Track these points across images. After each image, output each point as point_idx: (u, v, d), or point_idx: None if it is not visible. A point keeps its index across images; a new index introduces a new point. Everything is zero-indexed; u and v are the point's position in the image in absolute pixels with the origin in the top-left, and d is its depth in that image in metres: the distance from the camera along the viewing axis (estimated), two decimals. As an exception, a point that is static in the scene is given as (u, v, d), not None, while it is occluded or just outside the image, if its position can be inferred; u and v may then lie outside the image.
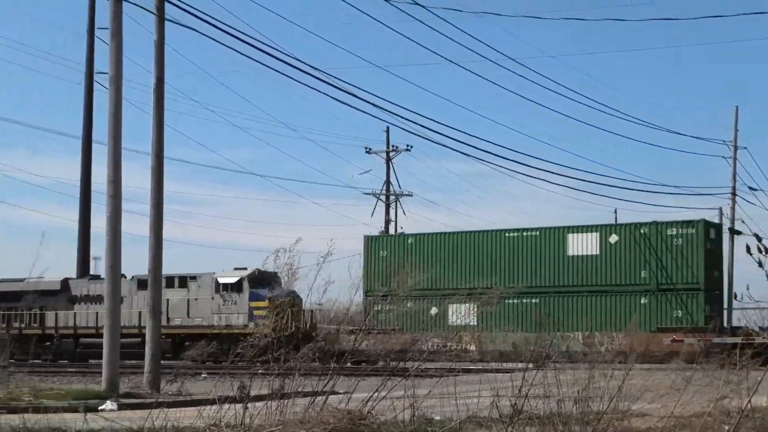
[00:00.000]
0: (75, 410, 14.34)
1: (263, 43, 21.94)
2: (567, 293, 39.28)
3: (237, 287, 39.90)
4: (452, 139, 31.19)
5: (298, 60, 22.90)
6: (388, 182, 73.48)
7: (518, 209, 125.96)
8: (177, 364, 29.08)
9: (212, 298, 40.31)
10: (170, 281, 39.09)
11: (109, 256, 21.12)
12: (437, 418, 10.83)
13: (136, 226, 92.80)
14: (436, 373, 12.27)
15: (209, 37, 21.67)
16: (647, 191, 48.07)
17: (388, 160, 73.66)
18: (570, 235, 40.30)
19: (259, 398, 9.65)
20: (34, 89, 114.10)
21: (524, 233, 41.39)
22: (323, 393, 9.91)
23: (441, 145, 29.64)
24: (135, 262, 77.49)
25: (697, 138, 70.37)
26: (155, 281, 22.41)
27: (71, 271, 49.28)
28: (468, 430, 10.30)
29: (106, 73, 22.39)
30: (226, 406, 9.40)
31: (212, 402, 9.69)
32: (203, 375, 24.38)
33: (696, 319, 37.56)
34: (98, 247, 48.60)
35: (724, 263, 42.71)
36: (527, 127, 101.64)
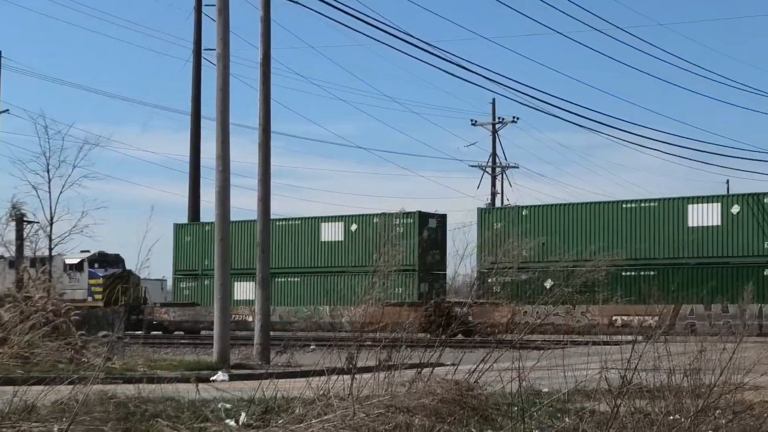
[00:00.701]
0: (187, 381, 14.59)
1: (370, 17, 22.03)
2: (685, 265, 38.46)
3: (79, 267, 48.00)
4: (560, 108, 30.96)
5: (406, 33, 22.97)
6: (494, 154, 73.17)
7: (624, 180, 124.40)
8: (285, 335, 29.39)
9: (61, 277, 45.91)
10: (32, 262, 40.95)
11: (218, 230, 21.42)
12: (545, 390, 10.78)
13: (244, 200, 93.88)
14: (543, 345, 12.21)
15: (316, 11, 21.81)
16: (761, 160, 47.12)
17: (494, 132, 73.32)
18: (690, 206, 39.50)
19: (366, 369, 9.71)
20: (144, 67, 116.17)
21: (642, 204, 40.84)
22: (430, 365, 9.94)
23: (549, 114, 29.73)
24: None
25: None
26: (263, 254, 22.66)
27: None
28: (576, 401, 10.24)
29: (214, 50, 22.67)
30: (335, 377, 9.47)
31: (320, 373, 9.78)
32: (312, 346, 24.62)
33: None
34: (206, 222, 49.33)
35: None
36: (634, 97, 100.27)
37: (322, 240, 46.01)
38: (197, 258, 49.18)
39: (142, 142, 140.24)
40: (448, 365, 10.33)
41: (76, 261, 47.76)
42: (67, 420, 8.28)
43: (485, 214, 43.83)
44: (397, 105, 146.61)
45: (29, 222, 36.00)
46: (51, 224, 35.74)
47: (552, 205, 43.41)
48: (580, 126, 33.75)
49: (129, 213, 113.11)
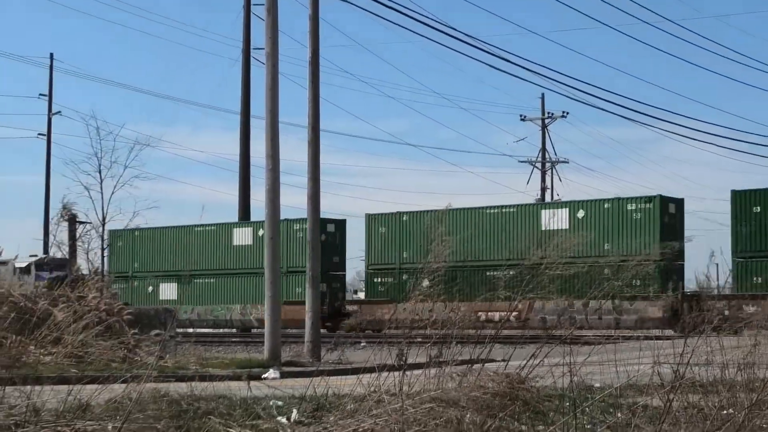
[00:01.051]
0: (239, 378, 14.67)
1: (417, 13, 22.03)
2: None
3: (27, 270, 48.62)
4: (610, 102, 30.74)
5: (453, 29, 22.94)
6: (543, 149, 72.90)
7: (676, 174, 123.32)
8: (337, 333, 29.56)
9: (11, 279, 47.06)
10: None
11: (268, 228, 21.53)
12: (597, 385, 10.73)
13: (293, 198, 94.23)
14: (594, 340, 12.13)
15: (364, 9, 21.84)
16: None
17: (544, 127, 73.05)
18: (543, 211, 42.04)
19: (417, 366, 9.72)
20: (194, 67, 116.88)
21: (503, 210, 42.98)
22: (480, 360, 9.92)
23: (599, 108, 29.47)
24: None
25: None
26: (314, 251, 22.74)
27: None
28: (628, 396, 10.18)
29: (263, 49, 22.78)
30: (385, 373, 9.48)
31: (371, 370, 9.79)
32: (362, 343, 24.69)
33: None
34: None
35: None
36: (687, 90, 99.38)
37: (234, 244, 49.48)
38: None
39: (193, 141, 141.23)
40: (498, 361, 10.30)
41: (24, 264, 49.56)
42: (120, 418, 8.36)
43: (371, 220, 46.19)
44: (445, 101, 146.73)
45: (81, 222, 36.35)
46: (103, 224, 36.18)
47: (428, 211, 44.72)
48: (630, 120, 33.50)
49: (180, 212, 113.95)
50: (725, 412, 8.78)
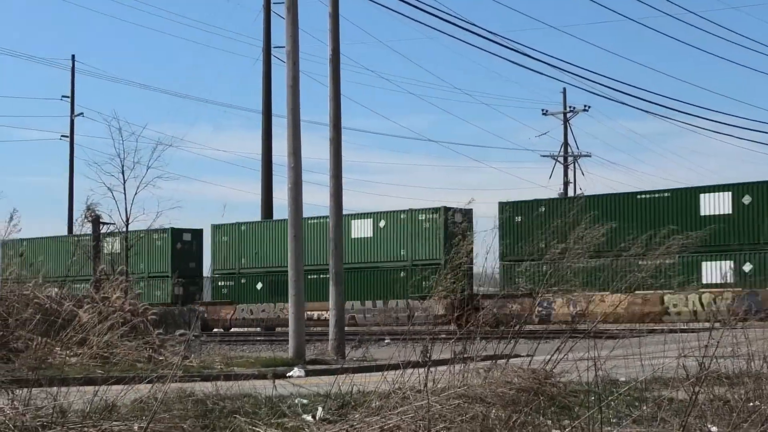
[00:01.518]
0: (264, 377, 14.72)
1: (437, 9, 22.00)
2: (351, 270, 41.81)
3: None
4: (631, 96, 30.64)
5: (473, 24, 22.90)
6: (565, 143, 72.73)
7: (700, 166, 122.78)
8: (360, 331, 29.61)
9: None
10: None
11: (291, 226, 21.56)
12: (622, 378, 10.70)
13: (315, 196, 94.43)
14: (617, 334, 12.11)
15: (384, 6, 21.84)
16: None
17: (566, 121, 72.87)
18: (353, 222, 45.92)
19: (441, 362, 9.71)
20: (215, 66, 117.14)
21: (322, 220, 45.64)
22: (505, 356, 9.91)
23: (620, 103, 29.29)
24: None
25: None
26: (336, 249, 22.75)
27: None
28: (654, 390, 10.15)
29: (283, 47, 22.79)
30: (410, 370, 9.48)
31: (395, 367, 9.79)
32: (387, 340, 24.69)
33: None
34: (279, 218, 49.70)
35: None
36: (707, 82, 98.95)
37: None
38: None
39: (215, 141, 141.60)
40: (523, 356, 10.29)
41: None
42: (146, 418, 8.39)
43: (216, 230, 50.73)
44: (467, 97, 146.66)
45: (105, 223, 36.46)
46: (127, 225, 36.19)
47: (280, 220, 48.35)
48: (652, 113, 33.37)
49: (202, 212, 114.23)
50: (752, 404, 8.74)
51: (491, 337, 10.23)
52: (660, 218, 37.82)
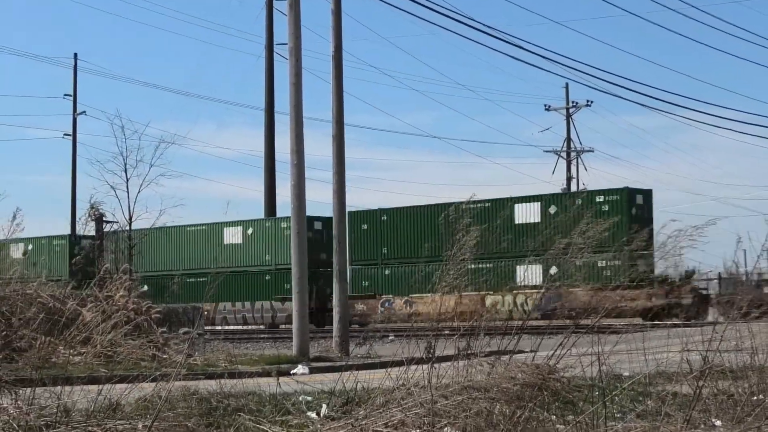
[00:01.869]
0: (268, 375, 14.72)
1: (439, 5, 22.00)
2: (224, 273, 45.72)
3: None
4: (633, 91, 30.60)
5: (474, 20, 22.88)
6: (568, 139, 72.68)
7: (703, 161, 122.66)
8: (365, 328, 29.67)
9: None
10: None
11: (294, 223, 21.56)
12: (626, 373, 10.69)
13: (318, 193, 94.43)
14: (621, 329, 12.09)
15: (385, 1, 21.81)
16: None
17: (568, 116, 72.79)
18: (225, 229, 50.03)
19: (445, 359, 9.70)
20: (218, 64, 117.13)
21: (198, 228, 51.13)
22: (508, 352, 9.90)
23: (622, 98, 29.21)
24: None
25: None
26: (340, 246, 22.76)
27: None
28: (658, 384, 10.14)
29: (286, 44, 22.76)
30: (414, 366, 9.47)
31: (399, 363, 9.78)
32: (390, 337, 24.68)
33: None
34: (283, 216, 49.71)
35: None
36: (709, 76, 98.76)
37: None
38: None
39: (218, 138, 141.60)
40: (526, 352, 10.28)
41: None
42: (150, 417, 8.39)
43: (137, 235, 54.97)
44: (470, 93, 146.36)
45: (108, 222, 36.46)
46: (130, 223, 36.14)
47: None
48: (654, 109, 33.37)
49: (205, 209, 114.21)
50: (756, 397, 8.73)
51: (495, 332, 10.23)
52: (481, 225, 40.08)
